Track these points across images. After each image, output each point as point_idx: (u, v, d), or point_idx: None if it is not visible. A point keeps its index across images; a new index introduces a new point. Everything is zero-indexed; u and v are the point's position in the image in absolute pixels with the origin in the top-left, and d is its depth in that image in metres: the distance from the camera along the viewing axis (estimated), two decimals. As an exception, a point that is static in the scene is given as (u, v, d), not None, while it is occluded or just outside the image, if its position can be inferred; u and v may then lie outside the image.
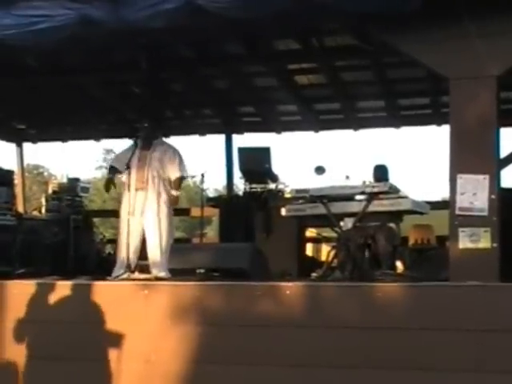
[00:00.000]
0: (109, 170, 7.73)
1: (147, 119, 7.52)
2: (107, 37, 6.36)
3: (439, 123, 10.17)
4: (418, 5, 5.02)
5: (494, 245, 5.23)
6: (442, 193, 12.14)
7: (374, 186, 6.45)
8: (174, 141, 9.74)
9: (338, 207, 6.45)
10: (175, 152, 7.39)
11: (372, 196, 6.28)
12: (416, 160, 40.41)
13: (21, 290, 5.88)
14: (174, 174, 7.25)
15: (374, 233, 6.87)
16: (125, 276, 6.94)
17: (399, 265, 8.42)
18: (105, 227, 15.26)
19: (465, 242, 5.27)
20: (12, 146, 11.72)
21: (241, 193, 9.53)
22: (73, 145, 13.81)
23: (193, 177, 10.68)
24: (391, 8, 5.05)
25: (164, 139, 7.91)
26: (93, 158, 46.59)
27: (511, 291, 4.94)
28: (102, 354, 5.57)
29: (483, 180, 5.28)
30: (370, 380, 5.03)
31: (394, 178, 7.84)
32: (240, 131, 11.14)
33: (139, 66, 8.35)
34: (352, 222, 6.51)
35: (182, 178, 7.37)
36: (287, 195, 7.58)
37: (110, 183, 7.43)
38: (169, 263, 7.12)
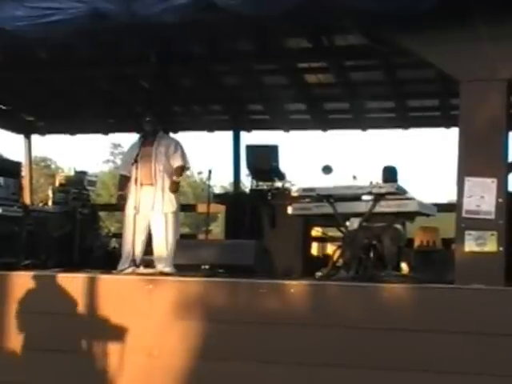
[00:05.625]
0: (119, 179, 7.80)
1: (150, 113, 7.56)
2: (118, 31, 6.38)
3: (448, 125, 10.14)
4: (431, 6, 5.00)
5: (500, 248, 5.22)
6: (448, 195, 12.11)
7: (380, 187, 6.43)
8: (182, 136, 9.81)
9: (344, 207, 6.44)
10: (177, 144, 7.53)
11: (379, 197, 6.27)
12: (424, 162, 40.33)
13: (26, 282, 5.89)
14: (176, 163, 7.38)
15: (380, 233, 6.85)
16: (130, 270, 6.96)
17: (404, 266, 8.40)
18: (110, 221, 15.30)
19: (471, 245, 5.26)
20: (20, 138, 11.76)
21: (247, 190, 9.52)
22: (81, 138, 13.88)
23: (200, 173, 10.68)
24: (403, 9, 5.04)
25: (171, 134, 7.95)
26: (100, 151, 46.69)
27: (516, 295, 4.93)
28: (105, 347, 5.58)
29: (491, 183, 5.27)
30: (373, 380, 5.03)
31: (401, 180, 7.83)
32: (248, 128, 11.15)
33: (149, 60, 8.36)
34: (358, 222, 6.50)
35: (183, 168, 7.46)
36: (294, 194, 7.56)
37: (121, 199, 7.51)
38: (174, 259, 7.12)
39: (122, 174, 7.68)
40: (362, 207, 6.42)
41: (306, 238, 8.66)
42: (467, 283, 5.08)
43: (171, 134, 8.91)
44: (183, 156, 7.43)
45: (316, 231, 9.20)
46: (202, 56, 8.90)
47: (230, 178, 12.09)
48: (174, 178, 7.36)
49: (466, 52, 5.36)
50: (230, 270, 6.76)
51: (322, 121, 10.82)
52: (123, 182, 7.60)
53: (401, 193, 6.35)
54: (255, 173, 9.08)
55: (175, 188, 7.36)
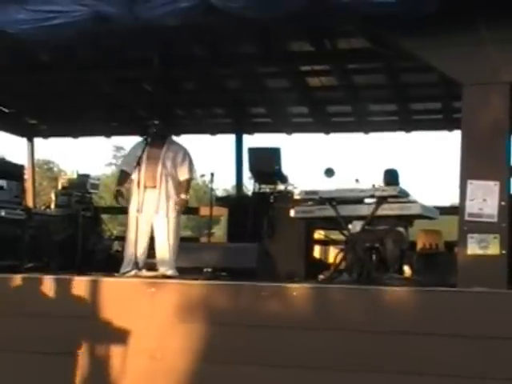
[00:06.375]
0: (119, 174, 7.77)
1: (157, 116, 7.55)
2: (120, 34, 6.39)
3: (451, 128, 10.15)
4: (433, 10, 5.00)
5: (503, 251, 5.22)
6: (451, 198, 12.12)
7: (383, 190, 6.44)
8: (184, 139, 9.80)
9: (346, 210, 6.45)
10: (186, 153, 7.43)
11: (381, 200, 6.27)
12: (426, 165, 40.27)
13: (28, 285, 5.90)
14: (183, 175, 7.29)
15: (383, 236, 6.85)
16: (132, 273, 6.96)
17: (407, 269, 8.40)
18: (113, 224, 15.30)
19: (473, 248, 5.25)
20: (23, 141, 11.78)
21: (250, 193, 9.53)
22: (83, 141, 13.91)
23: (202, 176, 10.68)
24: (406, 12, 5.05)
25: (174, 138, 7.94)
26: (103, 154, 46.80)
27: (519, 298, 4.92)
28: (107, 349, 5.58)
29: (493, 186, 5.26)
30: (375, 383, 5.02)
31: (403, 183, 7.83)
32: (251, 131, 11.15)
33: (152, 63, 8.37)
34: (360, 225, 6.49)
35: (190, 180, 7.42)
36: (296, 197, 7.57)
37: (118, 195, 7.45)
38: (176, 262, 7.13)
39: (123, 169, 7.64)
40: (364, 210, 6.42)
41: (308, 241, 8.67)
42: (470, 286, 5.07)
43: (173, 137, 8.92)
44: (190, 167, 7.35)
45: (318, 234, 9.20)
46: (205, 59, 8.91)
47: (233, 181, 12.10)
48: (182, 195, 7.29)
49: (469, 55, 5.36)
50: (233, 272, 6.78)
51: (325, 124, 10.83)
52: (123, 177, 7.55)
53: (403, 196, 6.35)
54: (258, 176, 9.09)
55: (183, 204, 7.28)
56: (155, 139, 7.37)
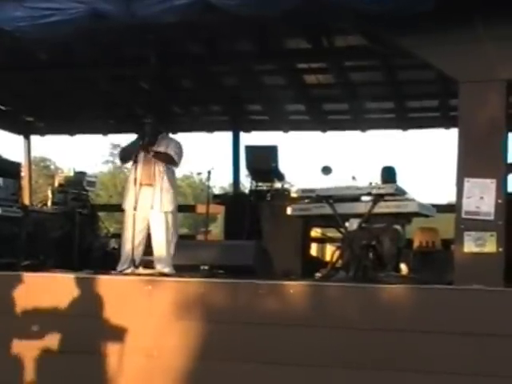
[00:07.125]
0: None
1: (151, 114, 7.57)
2: (117, 31, 6.39)
3: (447, 126, 10.14)
4: (430, 7, 5.00)
5: (500, 249, 5.22)
6: (448, 196, 12.13)
7: (380, 188, 6.43)
8: (181, 137, 9.80)
9: (343, 208, 6.44)
10: (178, 143, 7.57)
11: (378, 197, 6.27)
12: (423, 163, 40.27)
13: (25, 282, 5.89)
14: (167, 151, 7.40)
15: (380, 234, 6.85)
16: (129, 271, 6.97)
17: (403, 267, 8.41)
18: (110, 222, 15.30)
19: (470, 245, 5.26)
20: (20, 139, 11.76)
21: (247, 191, 9.53)
22: (80, 138, 13.90)
23: (199, 173, 10.66)
24: (403, 9, 5.05)
25: (171, 135, 7.97)
26: (100, 152, 46.79)
27: (516, 296, 4.93)
28: (104, 347, 5.57)
29: (490, 184, 5.27)
30: (372, 381, 5.03)
31: (400, 180, 7.84)
32: (247, 129, 11.14)
33: (149, 61, 8.36)
34: (357, 223, 6.50)
35: (170, 158, 7.42)
36: (293, 194, 7.57)
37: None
38: (173, 259, 7.13)
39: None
40: (361, 208, 6.42)
41: (305, 238, 8.67)
42: (466, 284, 5.07)
43: (170, 135, 8.92)
44: (177, 153, 7.42)
45: (315, 232, 9.20)
46: (201, 57, 8.90)
47: (230, 179, 12.09)
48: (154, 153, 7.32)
49: (466, 53, 5.36)
50: (230, 270, 6.77)
51: (322, 121, 10.82)
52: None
53: (400, 194, 6.35)
54: (254, 173, 9.09)
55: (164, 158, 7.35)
56: (149, 138, 7.40)
